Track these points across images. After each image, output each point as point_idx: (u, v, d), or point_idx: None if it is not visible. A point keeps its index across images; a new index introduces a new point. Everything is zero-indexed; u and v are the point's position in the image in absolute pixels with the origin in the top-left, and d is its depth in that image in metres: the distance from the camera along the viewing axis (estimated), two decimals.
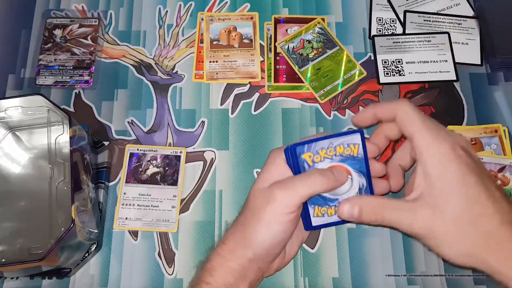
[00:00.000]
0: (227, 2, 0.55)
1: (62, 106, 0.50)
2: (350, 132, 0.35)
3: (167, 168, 0.47)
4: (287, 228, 0.34)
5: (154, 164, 0.47)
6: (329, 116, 0.50)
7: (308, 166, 0.35)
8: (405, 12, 0.53)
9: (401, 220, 0.32)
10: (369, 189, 0.36)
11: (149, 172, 0.47)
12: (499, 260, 0.29)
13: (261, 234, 0.34)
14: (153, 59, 0.52)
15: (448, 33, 0.52)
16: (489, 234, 0.29)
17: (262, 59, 0.52)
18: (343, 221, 0.36)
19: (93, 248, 0.43)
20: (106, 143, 0.49)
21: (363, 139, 0.35)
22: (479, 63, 0.51)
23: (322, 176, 0.34)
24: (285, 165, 0.35)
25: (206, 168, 0.48)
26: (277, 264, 0.38)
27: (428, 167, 0.31)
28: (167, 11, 0.55)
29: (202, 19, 0.54)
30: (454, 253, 0.31)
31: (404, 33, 0.53)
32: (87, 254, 0.43)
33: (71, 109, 0.50)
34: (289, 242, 0.37)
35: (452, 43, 0.52)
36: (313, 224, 0.36)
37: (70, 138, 0.39)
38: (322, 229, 0.45)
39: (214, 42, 0.53)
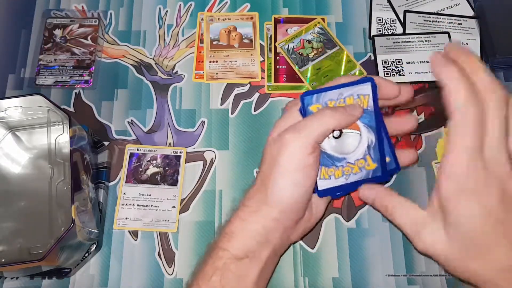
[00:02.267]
0: (227, 2, 0.55)
1: (62, 106, 0.50)
2: (361, 80, 0.32)
3: (167, 168, 0.47)
4: (307, 174, 0.32)
5: (154, 164, 0.47)
6: None
7: None
8: (405, 12, 0.53)
9: (407, 228, 0.32)
10: (378, 147, 0.34)
11: (149, 172, 0.47)
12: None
13: (282, 185, 0.32)
14: (153, 59, 0.52)
15: (448, 33, 0.52)
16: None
17: (262, 59, 0.52)
18: (350, 188, 0.34)
19: (93, 248, 0.43)
20: (106, 143, 0.49)
21: (375, 89, 0.32)
22: None
23: (333, 111, 0.32)
24: (299, 114, 0.34)
25: (206, 168, 0.48)
26: (303, 226, 0.36)
27: (445, 202, 0.29)
28: (167, 11, 0.55)
29: (202, 19, 0.54)
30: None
31: (404, 33, 0.53)
32: (87, 254, 0.43)
33: (71, 109, 0.50)
34: (314, 198, 0.35)
35: None
36: (319, 187, 0.34)
37: (70, 138, 0.39)
38: (322, 229, 0.45)
39: (214, 42, 0.53)
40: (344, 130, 0.34)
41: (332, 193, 0.35)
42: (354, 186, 0.35)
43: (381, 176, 0.35)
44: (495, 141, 0.28)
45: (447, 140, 0.30)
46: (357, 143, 0.33)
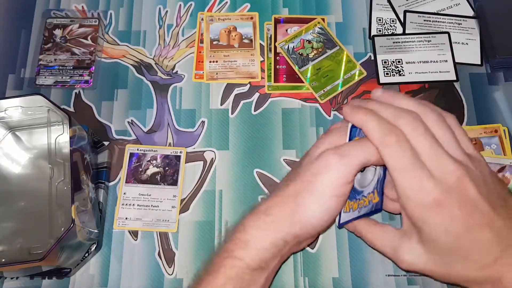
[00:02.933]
0: (227, 2, 0.55)
1: (62, 106, 0.50)
2: None
3: (167, 168, 0.47)
4: (340, 203, 0.32)
5: (154, 164, 0.47)
6: (329, 116, 0.50)
7: None
8: (405, 12, 0.53)
9: (387, 251, 0.34)
10: (382, 180, 0.35)
11: (149, 172, 0.47)
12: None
13: (314, 209, 0.31)
14: (153, 59, 0.52)
15: (448, 33, 0.52)
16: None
17: (262, 59, 0.52)
18: (355, 220, 0.35)
19: (93, 248, 0.43)
20: (106, 143, 0.49)
21: None
22: (479, 63, 0.51)
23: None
24: (346, 135, 0.33)
25: (206, 168, 0.48)
26: (309, 241, 0.36)
27: (412, 219, 0.31)
28: (167, 11, 0.55)
29: (202, 19, 0.54)
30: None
31: (404, 33, 0.53)
32: (87, 254, 0.43)
33: (71, 109, 0.50)
34: None
35: (452, 43, 0.52)
36: (342, 220, 0.34)
37: (70, 138, 0.39)
38: None
39: (214, 42, 0.53)
40: None
41: (346, 224, 0.35)
42: (359, 218, 0.36)
43: (379, 209, 0.37)
44: (428, 152, 0.29)
45: (389, 167, 0.31)
46: (372, 177, 0.34)
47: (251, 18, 0.54)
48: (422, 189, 0.29)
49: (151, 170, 0.47)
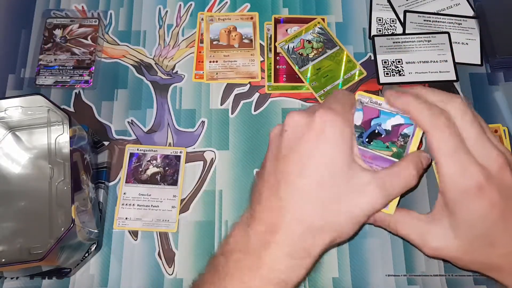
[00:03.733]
0: (227, 2, 0.55)
1: (62, 106, 0.50)
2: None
3: (167, 168, 0.47)
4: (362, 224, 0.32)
5: (154, 164, 0.47)
6: None
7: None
8: (405, 12, 0.53)
9: (413, 237, 0.33)
10: None
11: (149, 172, 0.47)
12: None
13: (344, 227, 0.31)
14: (153, 59, 0.52)
15: (448, 33, 0.52)
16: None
17: (262, 59, 0.52)
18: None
19: (93, 248, 0.43)
20: (106, 143, 0.49)
21: None
22: (479, 63, 0.51)
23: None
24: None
25: (206, 168, 0.48)
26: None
27: (450, 204, 0.31)
28: (167, 11, 0.55)
29: (202, 19, 0.54)
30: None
31: (404, 33, 0.53)
32: (87, 254, 0.43)
33: (71, 109, 0.50)
34: None
35: (452, 43, 0.52)
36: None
37: (70, 138, 0.39)
38: None
39: (214, 42, 0.53)
40: None
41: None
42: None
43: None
44: (474, 138, 0.30)
45: (434, 151, 0.30)
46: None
47: (251, 18, 0.54)
48: (466, 173, 0.29)
49: (151, 170, 0.47)
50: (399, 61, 0.51)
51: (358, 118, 0.34)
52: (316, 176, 0.30)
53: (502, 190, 0.29)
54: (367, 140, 0.33)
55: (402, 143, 0.33)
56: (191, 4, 0.55)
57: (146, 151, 0.48)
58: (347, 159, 0.31)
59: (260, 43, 0.53)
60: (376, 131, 0.33)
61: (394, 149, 0.33)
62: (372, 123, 0.34)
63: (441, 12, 0.54)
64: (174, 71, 0.52)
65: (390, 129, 0.33)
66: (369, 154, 0.33)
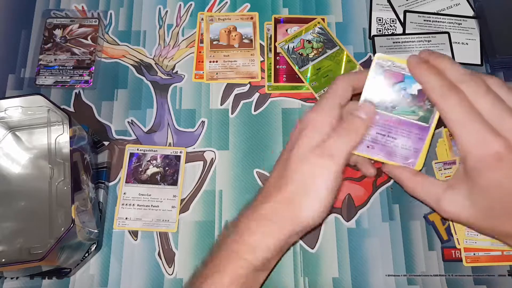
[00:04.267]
0: (227, 2, 0.55)
1: (62, 106, 0.50)
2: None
3: (167, 168, 0.47)
4: (336, 194, 0.33)
5: (154, 164, 0.47)
6: None
7: None
8: (405, 12, 0.53)
9: (431, 202, 0.33)
10: None
11: (149, 172, 0.47)
12: None
13: (313, 209, 0.32)
14: (153, 59, 0.52)
15: (448, 33, 0.52)
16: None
17: (262, 59, 0.52)
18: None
19: (93, 248, 0.43)
20: (106, 143, 0.49)
21: None
22: (479, 63, 0.51)
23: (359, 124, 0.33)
24: (324, 125, 0.34)
25: (206, 168, 0.48)
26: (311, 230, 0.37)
27: (469, 172, 0.31)
28: (167, 11, 0.55)
29: (202, 19, 0.54)
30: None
31: (404, 33, 0.53)
32: (87, 254, 0.43)
33: (71, 109, 0.50)
34: None
35: (452, 43, 0.52)
36: None
37: (70, 138, 0.39)
38: (322, 229, 0.45)
39: (214, 42, 0.53)
40: None
41: None
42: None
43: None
44: (490, 108, 0.30)
45: (448, 122, 0.31)
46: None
47: (251, 18, 0.54)
48: (484, 142, 0.29)
49: (151, 170, 0.47)
50: None
51: (377, 83, 0.34)
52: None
53: None
54: (391, 105, 0.34)
55: (429, 106, 0.33)
56: (191, 4, 0.55)
57: (146, 151, 0.48)
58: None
59: (260, 43, 0.53)
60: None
61: (421, 113, 0.33)
62: (397, 87, 0.34)
63: (441, 12, 0.54)
64: (174, 71, 0.52)
65: (416, 93, 0.33)
66: (394, 119, 0.33)
